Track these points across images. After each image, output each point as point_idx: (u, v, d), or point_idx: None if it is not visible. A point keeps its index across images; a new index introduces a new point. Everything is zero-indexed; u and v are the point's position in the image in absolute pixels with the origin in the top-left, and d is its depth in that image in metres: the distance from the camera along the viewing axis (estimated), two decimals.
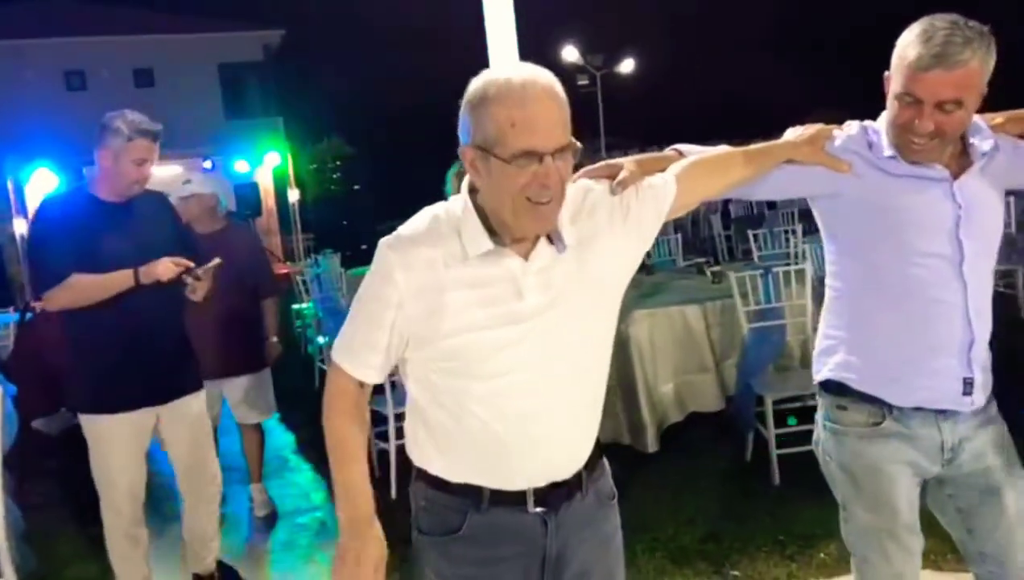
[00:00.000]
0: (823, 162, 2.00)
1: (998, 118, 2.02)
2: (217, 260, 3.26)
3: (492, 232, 1.60)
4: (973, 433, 2.02)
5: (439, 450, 1.70)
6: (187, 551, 3.61)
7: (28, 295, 13.52)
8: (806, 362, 4.89)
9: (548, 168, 1.51)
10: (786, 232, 8.55)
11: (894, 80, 1.90)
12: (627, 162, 1.82)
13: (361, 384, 1.72)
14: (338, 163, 23.99)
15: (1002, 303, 7.46)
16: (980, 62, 1.81)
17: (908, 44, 1.86)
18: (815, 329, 5.18)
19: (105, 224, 3.12)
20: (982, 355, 1.99)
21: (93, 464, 3.27)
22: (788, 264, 5.73)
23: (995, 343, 2.03)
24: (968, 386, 1.98)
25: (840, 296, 2.11)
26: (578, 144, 1.56)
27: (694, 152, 1.99)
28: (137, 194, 3.20)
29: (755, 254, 8.05)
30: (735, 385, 4.99)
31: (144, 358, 3.18)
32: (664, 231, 10.59)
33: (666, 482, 4.42)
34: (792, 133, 2.07)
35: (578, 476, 1.73)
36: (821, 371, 2.13)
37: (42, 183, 17.61)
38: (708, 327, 5.12)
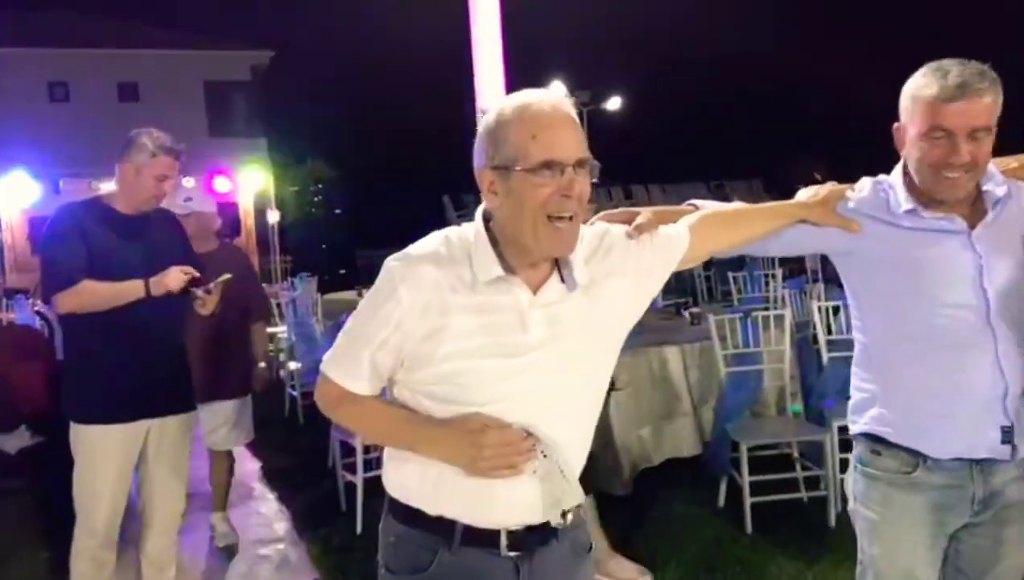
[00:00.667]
0: (834, 223, 2.02)
1: (1013, 163, 2.03)
2: (228, 275, 3.29)
3: (503, 261, 1.59)
4: (1006, 488, 2.00)
5: (420, 477, 1.66)
6: (143, 578, 3.50)
7: None
8: (783, 409, 4.87)
9: (570, 179, 1.53)
10: (766, 276, 8.57)
11: (915, 122, 1.91)
12: (644, 210, 1.85)
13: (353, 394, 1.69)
14: (320, 186, 23.95)
15: None
16: (995, 93, 1.86)
17: (922, 85, 1.88)
18: (793, 375, 5.18)
19: (119, 235, 3.18)
20: (1021, 403, 1.97)
21: (77, 478, 3.23)
22: (767, 308, 5.72)
23: None
24: (1007, 434, 1.95)
25: (866, 349, 2.11)
26: (596, 162, 1.59)
27: (709, 207, 2.00)
28: (152, 209, 3.27)
29: (735, 297, 8.05)
30: (711, 430, 4.94)
31: (143, 370, 3.18)
32: None
33: (638, 527, 4.35)
34: (805, 194, 2.09)
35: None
36: (857, 424, 2.11)
37: (17, 193, 17.45)
38: (686, 369, 5.09)
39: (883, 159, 2.38)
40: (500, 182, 1.56)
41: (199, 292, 3.19)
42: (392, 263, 1.61)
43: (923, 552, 2.02)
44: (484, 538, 1.64)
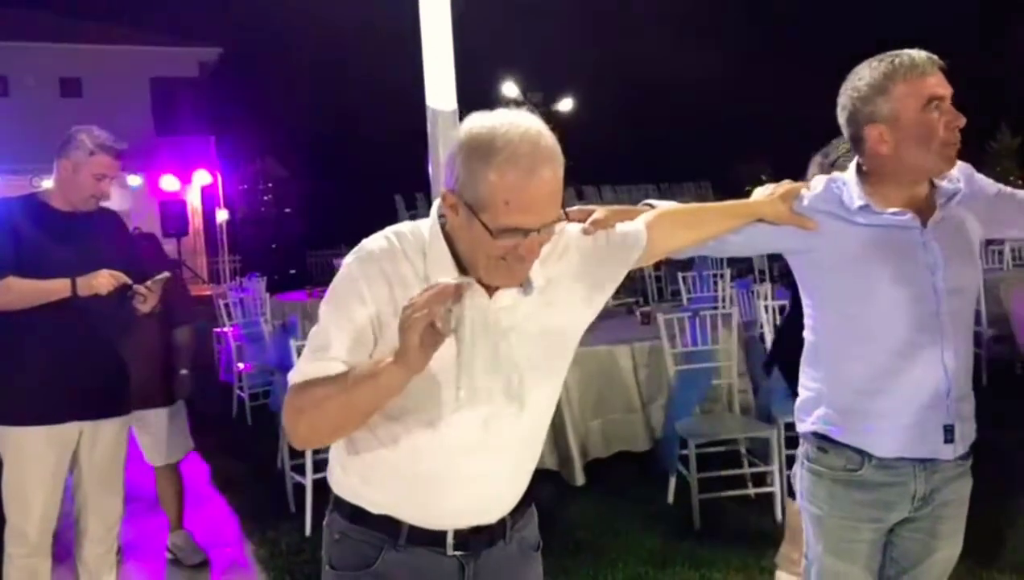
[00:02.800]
0: (791, 221, 2.02)
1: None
2: (166, 273, 3.22)
3: (459, 263, 1.55)
4: (945, 485, 2.04)
5: (364, 478, 1.64)
6: None
7: None
8: (732, 406, 4.93)
9: (532, 242, 1.47)
10: (715, 276, 8.67)
11: (908, 104, 1.90)
12: (599, 208, 1.82)
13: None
14: (270, 185, 23.64)
15: None
16: None
17: (888, 73, 1.90)
18: (742, 373, 5.25)
19: (53, 232, 3.10)
20: (962, 403, 2.00)
21: (6, 482, 3.14)
22: (716, 308, 5.80)
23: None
24: (949, 433, 1.98)
25: (816, 348, 2.11)
26: (564, 215, 1.54)
27: (665, 206, 1.99)
28: (92, 208, 3.19)
29: (684, 296, 8.14)
30: (661, 427, 5.00)
31: (74, 371, 3.10)
32: None
33: (589, 523, 4.38)
34: (762, 192, 2.09)
35: (503, 522, 1.68)
36: (804, 423, 2.13)
37: None
38: (636, 367, 5.14)
39: None
40: (462, 213, 1.48)
41: (140, 288, 3.12)
42: (350, 261, 1.57)
43: (866, 548, 2.06)
44: (430, 537, 1.63)
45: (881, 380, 1.98)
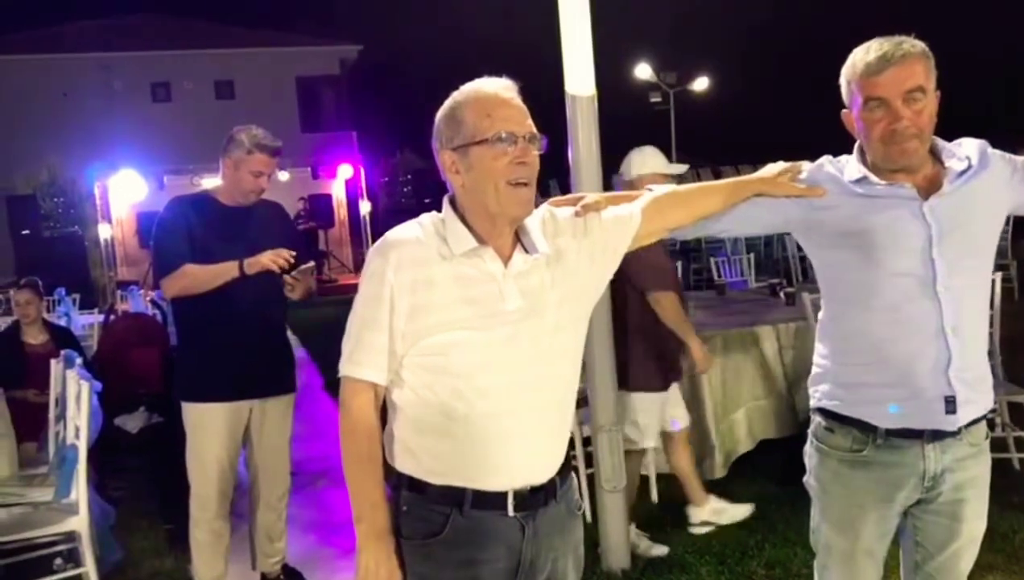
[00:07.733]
0: (797, 193, 2.05)
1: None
2: (311, 263, 3.45)
3: (474, 233, 1.74)
4: (959, 465, 2.02)
5: (422, 450, 1.76)
6: (255, 551, 3.71)
7: (110, 297, 14.05)
8: None
9: (523, 148, 1.71)
10: None
11: (854, 101, 1.97)
12: (592, 195, 1.98)
13: (375, 389, 1.76)
14: (409, 177, 24.30)
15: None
16: (923, 54, 1.91)
17: (851, 65, 1.97)
18: None
19: (221, 225, 3.38)
20: (968, 373, 1.98)
21: (189, 454, 3.45)
22: None
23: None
24: (951, 404, 1.96)
25: (824, 325, 2.16)
26: (544, 138, 1.76)
27: (667, 189, 2.11)
28: (255, 202, 3.44)
29: None
30: (807, 410, 4.88)
31: (244, 354, 3.38)
32: (735, 251, 10.40)
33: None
34: (769, 170, 2.12)
35: (552, 482, 1.81)
36: (813, 398, 2.18)
37: (127, 190, 18.31)
38: (781, 349, 5.04)
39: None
40: (461, 160, 1.74)
41: (287, 278, 3.34)
42: (374, 251, 1.76)
43: (872, 528, 2.07)
44: (492, 500, 1.74)
45: (879, 351, 1.99)
